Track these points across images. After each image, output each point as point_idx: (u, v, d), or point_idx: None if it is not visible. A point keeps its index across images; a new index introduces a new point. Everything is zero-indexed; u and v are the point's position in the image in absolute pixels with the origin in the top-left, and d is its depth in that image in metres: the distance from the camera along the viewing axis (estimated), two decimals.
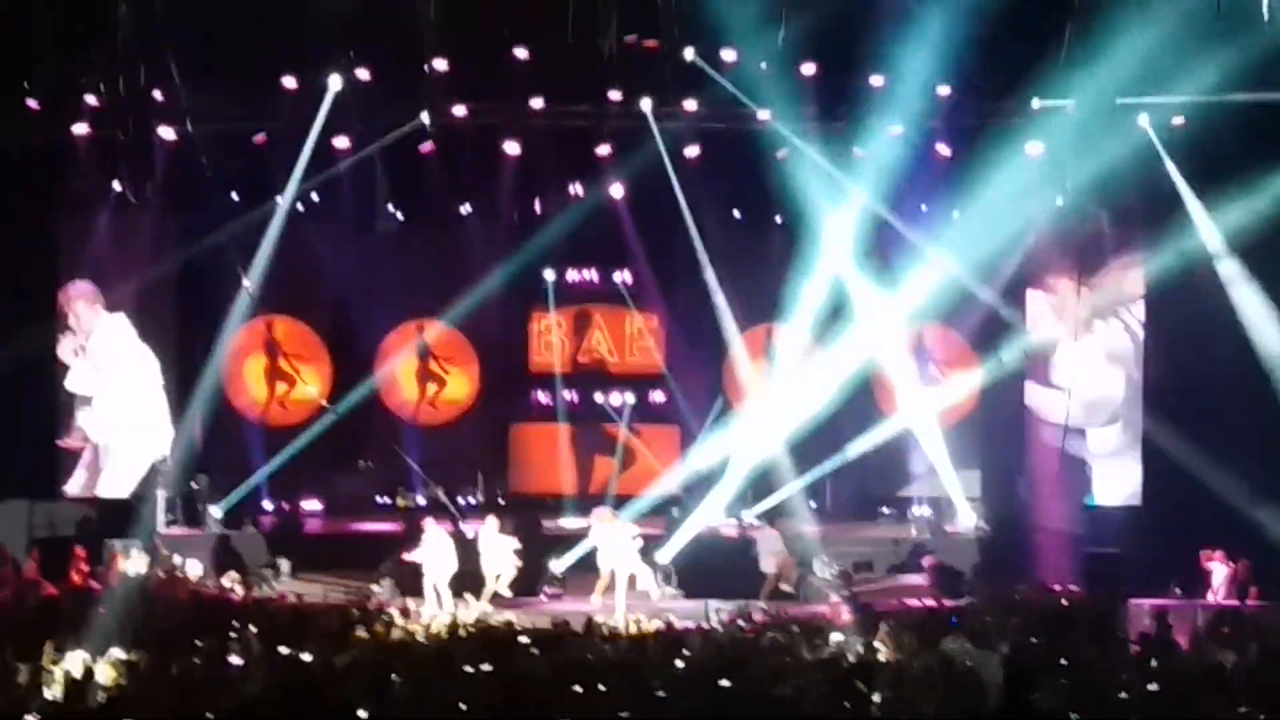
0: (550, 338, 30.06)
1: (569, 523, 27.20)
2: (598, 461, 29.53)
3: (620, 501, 26.72)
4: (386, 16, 25.16)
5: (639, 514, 25.40)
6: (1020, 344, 27.39)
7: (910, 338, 28.87)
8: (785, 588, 24.47)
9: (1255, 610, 21.44)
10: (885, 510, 28.69)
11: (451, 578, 23.40)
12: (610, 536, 23.94)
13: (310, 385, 29.47)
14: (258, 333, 29.38)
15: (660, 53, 26.14)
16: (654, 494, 27.55)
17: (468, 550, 23.79)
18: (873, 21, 25.39)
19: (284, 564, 25.17)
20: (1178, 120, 25.78)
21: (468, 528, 24.81)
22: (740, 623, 20.59)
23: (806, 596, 24.18)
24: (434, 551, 23.48)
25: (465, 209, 28.79)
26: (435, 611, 22.62)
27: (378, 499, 28.90)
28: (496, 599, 23.51)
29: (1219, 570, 23.27)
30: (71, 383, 27.27)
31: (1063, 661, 17.12)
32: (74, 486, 27.09)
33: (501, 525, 24.20)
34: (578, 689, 15.08)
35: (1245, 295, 25.76)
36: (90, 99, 25.98)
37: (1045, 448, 27.31)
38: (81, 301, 27.36)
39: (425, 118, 26.56)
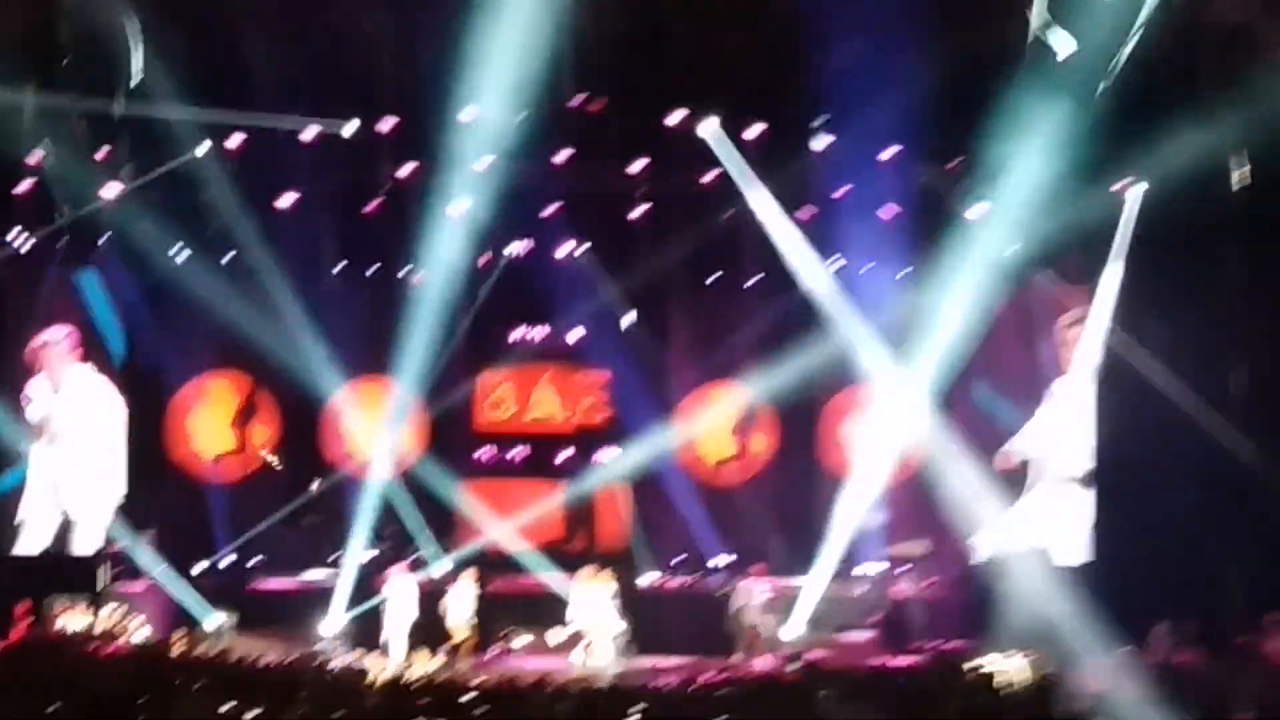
0: (497, 395, 29.95)
1: (533, 577, 27.23)
2: (547, 517, 29.37)
3: (574, 559, 26.63)
4: (334, 73, 25.24)
5: (601, 569, 25.25)
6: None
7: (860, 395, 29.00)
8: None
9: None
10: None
11: (411, 628, 23.37)
12: (584, 593, 23.90)
13: (260, 440, 29.30)
14: (205, 388, 29.17)
15: (606, 114, 26.38)
16: (606, 551, 27.52)
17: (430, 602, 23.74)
18: (821, 81, 25.72)
19: (226, 619, 24.89)
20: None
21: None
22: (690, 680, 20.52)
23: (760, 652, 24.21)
24: (398, 600, 23.44)
25: (410, 266, 28.64)
26: (394, 661, 22.50)
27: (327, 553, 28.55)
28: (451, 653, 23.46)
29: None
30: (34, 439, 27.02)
31: None
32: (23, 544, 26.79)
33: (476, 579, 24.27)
34: None
35: None
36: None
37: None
38: (54, 351, 27.09)
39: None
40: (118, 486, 27.20)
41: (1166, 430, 25.61)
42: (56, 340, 27.09)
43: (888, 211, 27.54)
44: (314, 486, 28.40)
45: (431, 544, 28.19)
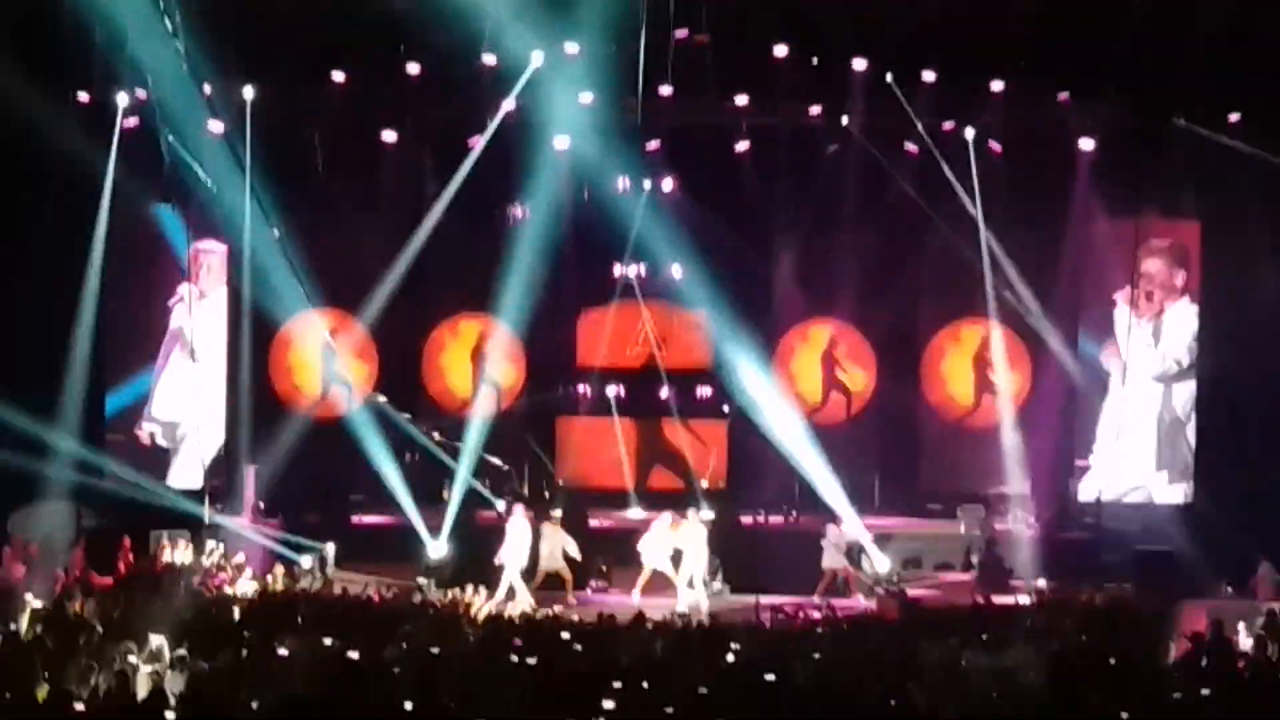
0: (599, 331, 29.93)
1: (627, 515, 27.28)
2: (645, 456, 29.38)
3: (668, 496, 26.68)
4: (439, 14, 25.21)
5: (693, 509, 25.22)
6: None
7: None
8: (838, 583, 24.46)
9: None
10: (934, 506, 28.48)
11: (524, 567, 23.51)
12: (672, 534, 23.98)
13: (357, 377, 29.45)
14: (309, 325, 29.35)
15: (710, 48, 26.22)
16: (702, 488, 27.52)
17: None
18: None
19: (329, 553, 25.03)
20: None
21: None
22: (787, 618, 20.54)
23: (855, 593, 24.17)
24: (515, 540, 23.58)
25: (513, 204, 28.63)
26: (503, 598, 22.76)
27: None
28: (546, 590, 23.54)
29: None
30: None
31: (1113, 661, 17.04)
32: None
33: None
34: (620, 684, 15.04)
35: None
36: (139, 93, 26.18)
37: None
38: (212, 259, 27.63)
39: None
40: (218, 424, 27.56)
41: (1270, 369, 25.40)
42: (215, 250, 27.39)
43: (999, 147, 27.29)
44: (433, 434, 28.44)
45: (529, 481, 28.37)
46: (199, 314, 27.77)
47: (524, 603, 22.77)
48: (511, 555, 23.46)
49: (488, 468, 27.65)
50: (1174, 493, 26.98)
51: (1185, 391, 27.31)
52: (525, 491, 27.96)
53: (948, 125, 27.03)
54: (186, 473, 27.56)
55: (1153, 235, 27.30)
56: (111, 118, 26.23)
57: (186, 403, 27.66)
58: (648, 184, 28.21)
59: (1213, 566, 23.17)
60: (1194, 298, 27.36)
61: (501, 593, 22.97)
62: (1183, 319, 27.32)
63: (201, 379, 27.70)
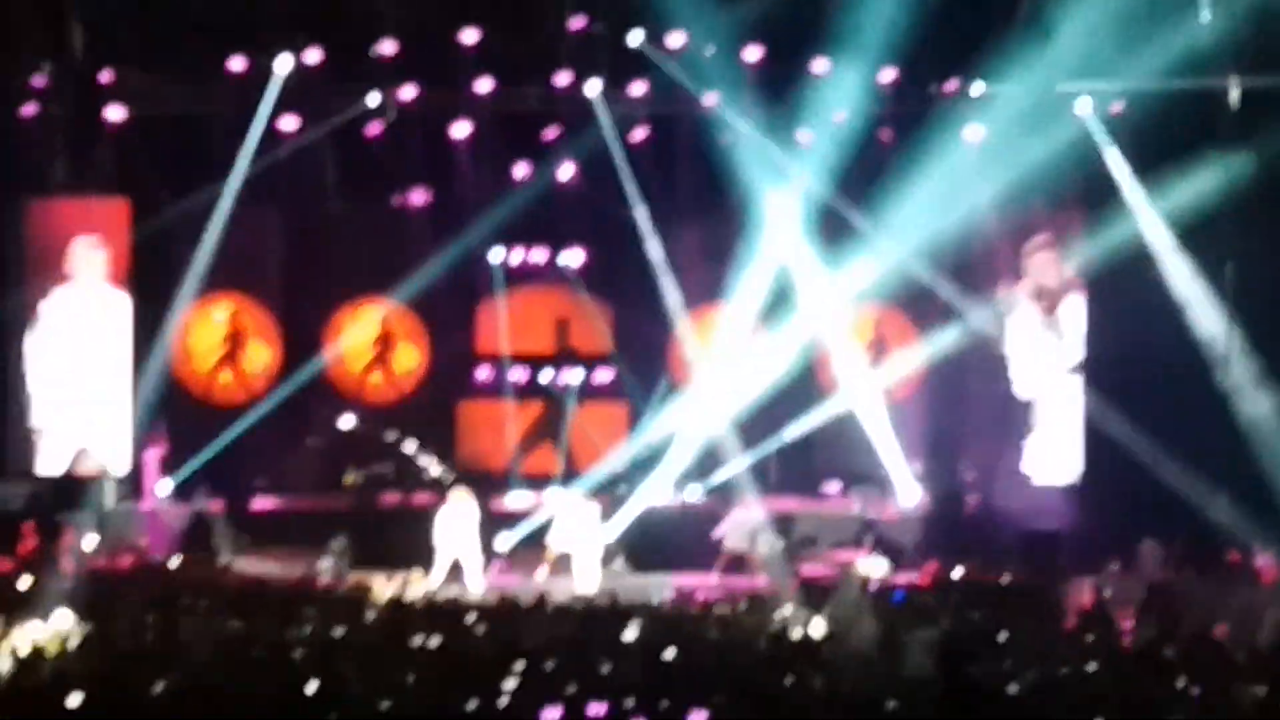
0: (497, 318, 30.09)
1: (517, 500, 27.48)
2: (544, 439, 29.61)
3: (567, 479, 26.98)
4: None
5: (587, 491, 25.53)
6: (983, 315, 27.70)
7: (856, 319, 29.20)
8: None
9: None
10: (829, 487, 28.83)
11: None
12: (568, 513, 24.23)
13: (259, 363, 29.48)
14: (208, 311, 29.38)
15: (606, 37, 26.51)
16: (600, 471, 27.75)
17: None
18: (819, 5, 25.85)
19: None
20: (1117, 107, 26.27)
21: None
22: (685, 597, 20.86)
23: (756, 571, 24.51)
24: (453, 522, 23.82)
25: (414, 191, 28.77)
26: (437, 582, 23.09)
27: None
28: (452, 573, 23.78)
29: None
30: (40, 342, 27.31)
31: (1000, 638, 17.44)
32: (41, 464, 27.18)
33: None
34: (523, 664, 15.27)
35: (1183, 279, 26.22)
36: (38, 79, 26.14)
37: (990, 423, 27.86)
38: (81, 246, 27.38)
39: (373, 99, 26.88)
40: (121, 409, 27.53)
41: (1156, 348, 25.87)
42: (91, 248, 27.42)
43: (887, 135, 27.67)
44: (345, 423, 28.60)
45: (434, 465, 28.51)
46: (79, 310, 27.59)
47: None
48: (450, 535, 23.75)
49: (397, 453, 27.90)
50: (1061, 473, 27.43)
51: (1074, 373, 27.76)
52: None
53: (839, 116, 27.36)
54: (85, 456, 27.45)
55: (1038, 227, 27.64)
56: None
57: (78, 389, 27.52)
58: (547, 170, 28.40)
59: (1100, 545, 23.64)
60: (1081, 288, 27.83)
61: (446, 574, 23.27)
62: (1074, 311, 27.76)
63: (91, 366, 27.54)
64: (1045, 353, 27.70)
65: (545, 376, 29.85)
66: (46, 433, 27.35)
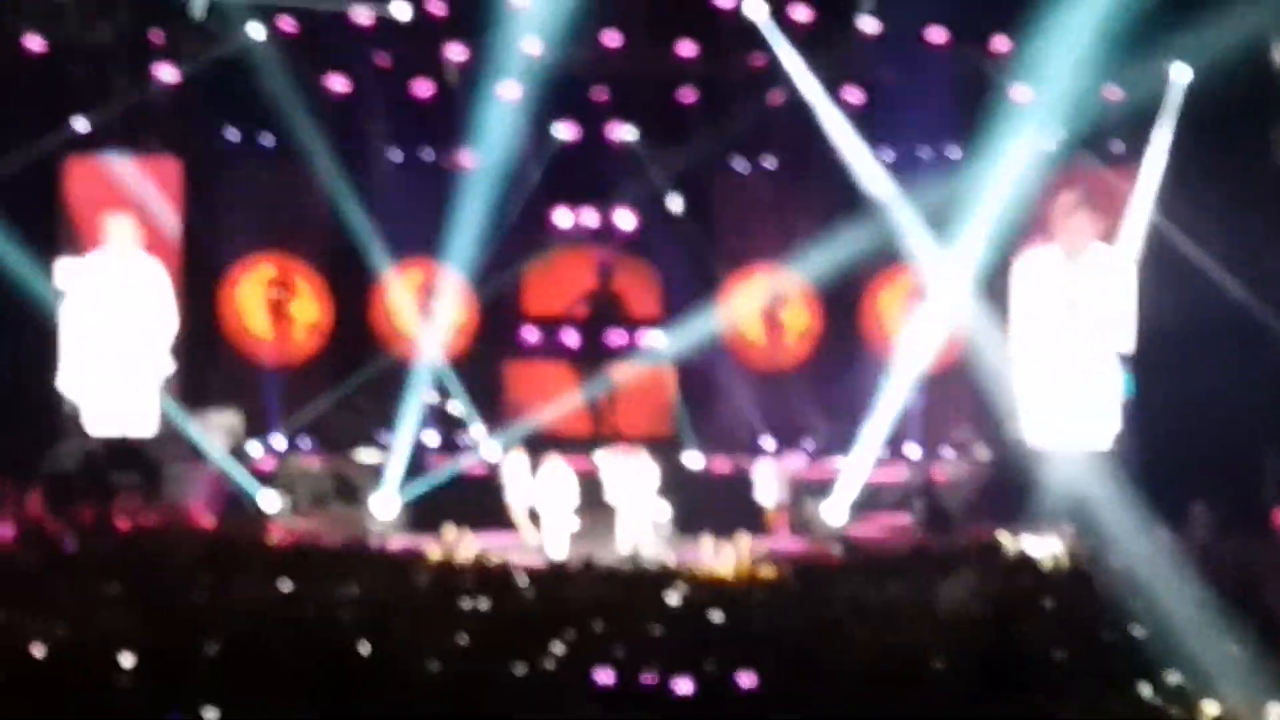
0: (548, 279, 30.14)
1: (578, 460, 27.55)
2: (595, 401, 29.66)
3: (617, 441, 26.97)
4: None
5: (638, 452, 25.57)
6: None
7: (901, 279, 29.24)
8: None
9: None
10: (878, 451, 28.78)
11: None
12: (620, 475, 24.29)
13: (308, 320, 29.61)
14: (257, 269, 29.50)
15: None
16: (651, 434, 27.82)
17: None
18: None
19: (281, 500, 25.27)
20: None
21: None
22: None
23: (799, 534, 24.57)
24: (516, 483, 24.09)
25: (461, 149, 28.80)
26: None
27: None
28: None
29: None
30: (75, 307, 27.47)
31: (1047, 604, 17.44)
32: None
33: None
34: (571, 628, 15.36)
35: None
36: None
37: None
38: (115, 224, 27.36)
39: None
40: (164, 370, 27.71)
41: (1205, 311, 25.79)
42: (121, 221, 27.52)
43: (936, 94, 27.57)
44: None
45: (482, 427, 28.63)
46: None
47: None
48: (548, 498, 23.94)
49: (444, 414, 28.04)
50: (1108, 438, 27.33)
51: (1118, 336, 27.64)
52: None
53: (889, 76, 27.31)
54: (139, 417, 27.61)
55: (1079, 179, 27.50)
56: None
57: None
58: (597, 132, 28.42)
59: (1148, 509, 23.58)
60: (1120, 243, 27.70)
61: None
62: (1111, 266, 27.61)
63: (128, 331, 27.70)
64: (1073, 316, 27.57)
65: (596, 339, 29.86)
66: (85, 397, 27.43)
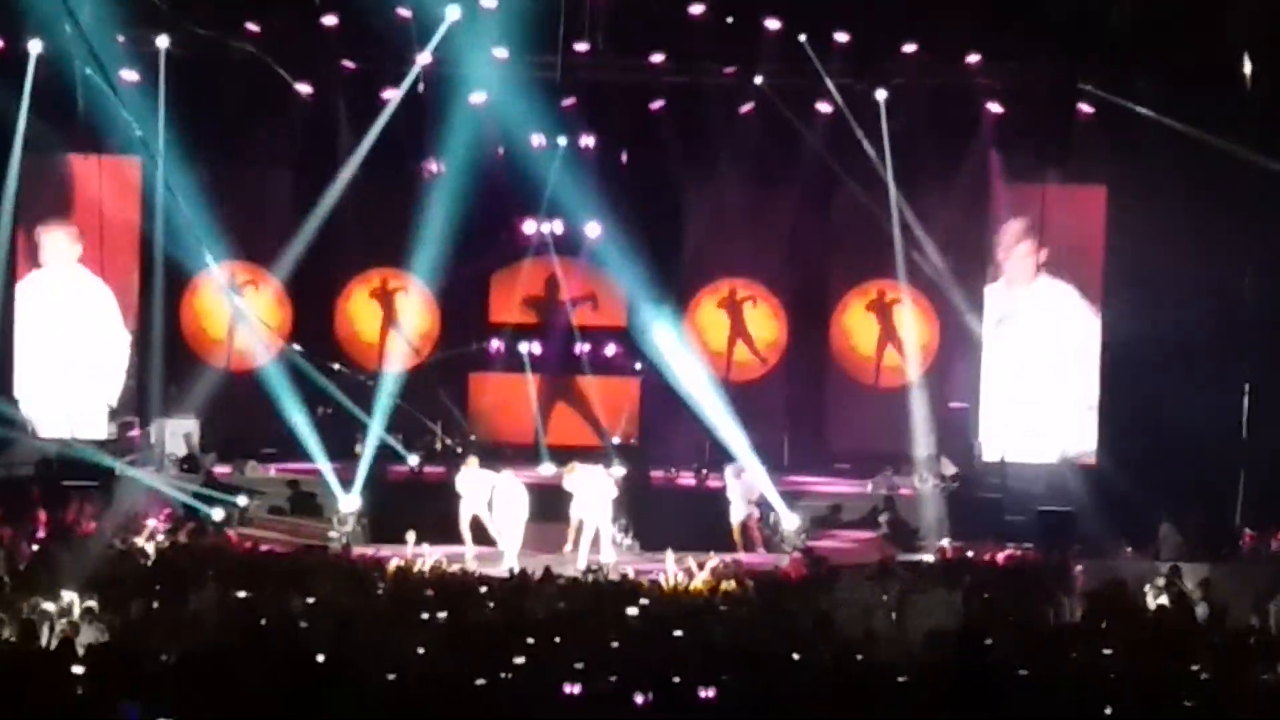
0: (513, 288, 29.94)
1: (539, 471, 27.35)
2: (558, 411, 29.45)
3: (578, 452, 26.74)
4: None
5: (601, 464, 25.38)
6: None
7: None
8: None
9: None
10: (843, 466, 28.69)
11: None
12: (585, 486, 24.11)
13: (268, 327, 29.36)
14: (219, 277, 29.26)
15: (625, 6, 26.33)
16: (612, 445, 27.65)
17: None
18: None
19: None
20: None
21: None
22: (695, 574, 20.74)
23: (758, 545, 24.43)
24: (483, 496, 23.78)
25: (428, 159, 28.55)
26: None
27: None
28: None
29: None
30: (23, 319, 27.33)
31: (1014, 619, 17.35)
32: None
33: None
34: (531, 640, 15.20)
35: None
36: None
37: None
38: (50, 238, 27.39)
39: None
40: (116, 376, 27.48)
41: (1175, 334, 25.81)
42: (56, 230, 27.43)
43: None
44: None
45: (444, 435, 28.41)
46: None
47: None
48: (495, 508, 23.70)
49: (409, 422, 27.82)
50: (1077, 453, 27.30)
51: (1090, 355, 27.65)
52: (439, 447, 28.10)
53: (859, 86, 27.25)
54: (89, 423, 27.36)
55: (1057, 201, 27.53)
56: (23, 66, 26.18)
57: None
58: (563, 141, 28.24)
59: (1115, 527, 23.54)
60: (1097, 265, 27.71)
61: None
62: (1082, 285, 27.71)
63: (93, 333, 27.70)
64: (1051, 327, 27.62)
65: (556, 349, 29.65)
66: (37, 400, 27.29)
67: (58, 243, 27.64)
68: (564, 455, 26.36)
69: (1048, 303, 27.69)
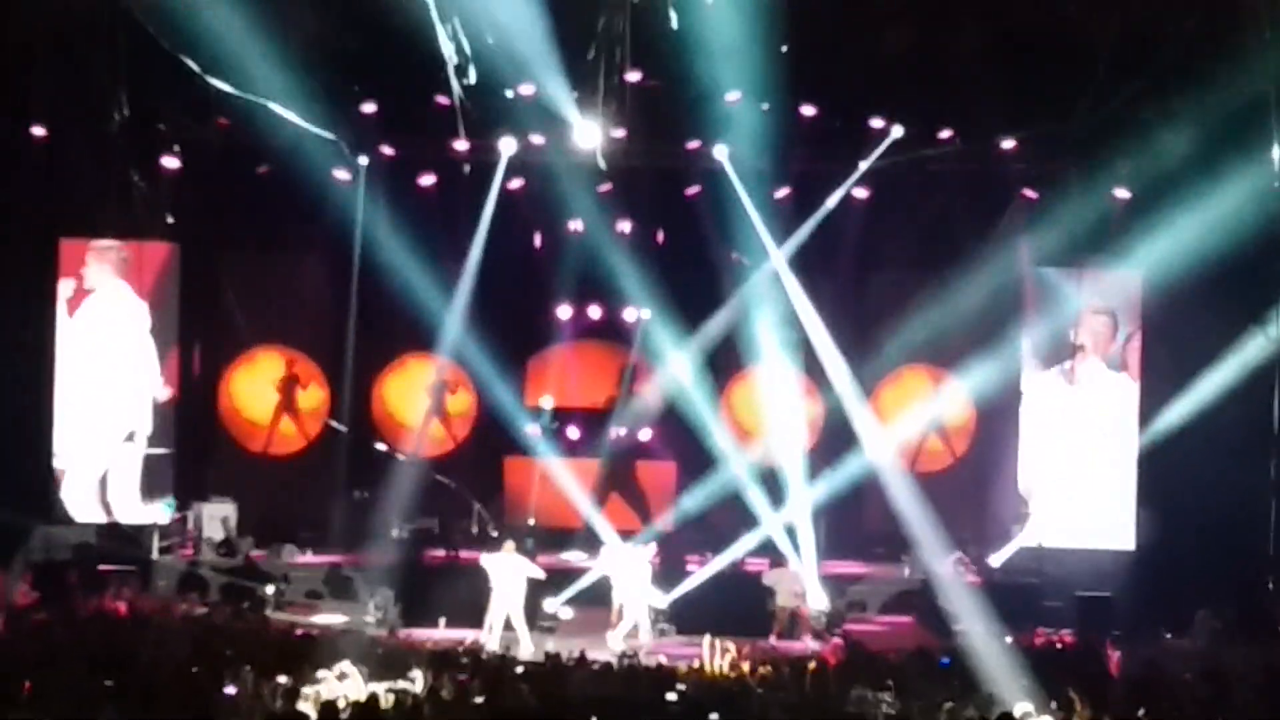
0: (550, 372, 29.96)
1: (570, 556, 27.32)
2: (596, 496, 29.32)
3: (620, 536, 26.67)
4: (398, 50, 25.34)
5: (637, 548, 25.33)
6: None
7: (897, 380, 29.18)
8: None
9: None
10: (879, 550, 28.60)
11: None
12: (624, 568, 24.09)
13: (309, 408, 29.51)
14: (259, 361, 29.43)
15: (659, 93, 26.45)
16: (649, 530, 27.60)
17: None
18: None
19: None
20: None
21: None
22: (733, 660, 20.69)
23: (805, 633, 24.34)
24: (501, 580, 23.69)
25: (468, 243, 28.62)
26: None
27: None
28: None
29: None
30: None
31: (1053, 704, 17.25)
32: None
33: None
34: None
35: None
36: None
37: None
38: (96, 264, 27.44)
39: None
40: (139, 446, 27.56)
41: (1211, 421, 25.72)
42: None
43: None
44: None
45: (483, 519, 28.42)
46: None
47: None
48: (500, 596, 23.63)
49: (447, 506, 27.88)
50: (1117, 540, 27.16)
51: (1129, 441, 27.51)
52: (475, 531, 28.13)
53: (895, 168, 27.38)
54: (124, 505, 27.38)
55: (1094, 288, 27.51)
56: None
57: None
58: (601, 226, 28.32)
59: (1153, 613, 23.44)
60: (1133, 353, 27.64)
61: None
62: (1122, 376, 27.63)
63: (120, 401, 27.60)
64: (1096, 414, 27.53)
65: (593, 434, 29.65)
66: (72, 474, 27.24)
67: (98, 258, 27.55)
68: (597, 539, 26.37)
69: (1087, 387, 27.59)
